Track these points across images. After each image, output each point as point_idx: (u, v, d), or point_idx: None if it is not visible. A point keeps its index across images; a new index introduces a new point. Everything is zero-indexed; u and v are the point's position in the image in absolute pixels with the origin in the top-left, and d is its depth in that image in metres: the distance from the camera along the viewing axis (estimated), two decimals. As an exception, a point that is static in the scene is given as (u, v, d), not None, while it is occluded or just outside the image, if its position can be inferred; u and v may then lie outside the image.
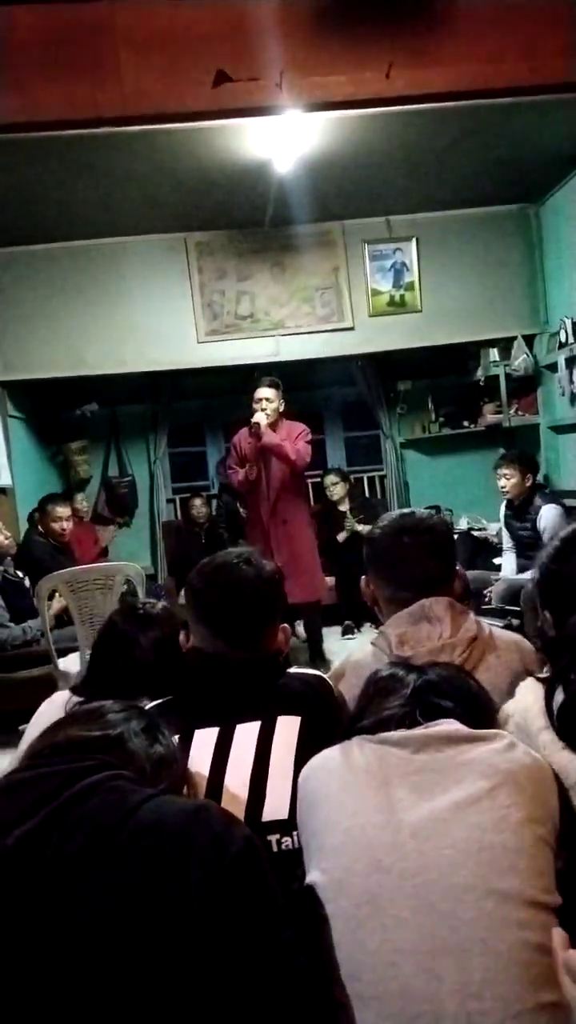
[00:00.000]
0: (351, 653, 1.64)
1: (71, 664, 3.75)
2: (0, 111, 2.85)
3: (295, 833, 1.19)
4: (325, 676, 1.51)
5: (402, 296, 5.55)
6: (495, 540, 5.00)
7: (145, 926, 0.84)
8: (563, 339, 5.09)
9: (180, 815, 0.94)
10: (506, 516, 4.56)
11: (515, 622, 3.98)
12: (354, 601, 5.52)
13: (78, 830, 0.89)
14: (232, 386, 4.92)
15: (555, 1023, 0.91)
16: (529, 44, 2.97)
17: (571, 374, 5.09)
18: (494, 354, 5.77)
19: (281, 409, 4.51)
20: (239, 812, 1.18)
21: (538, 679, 1.26)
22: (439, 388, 6.35)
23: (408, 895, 0.97)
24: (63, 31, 2.84)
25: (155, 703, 1.43)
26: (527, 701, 1.24)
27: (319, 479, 6.67)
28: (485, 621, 1.60)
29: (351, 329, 5.55)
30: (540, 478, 5.25)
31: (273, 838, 1.20)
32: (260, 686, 1.39)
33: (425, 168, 4.64)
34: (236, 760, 1.28)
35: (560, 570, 1.31)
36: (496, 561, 4.73)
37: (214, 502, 5.79)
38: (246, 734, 1.31)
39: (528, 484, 4.36)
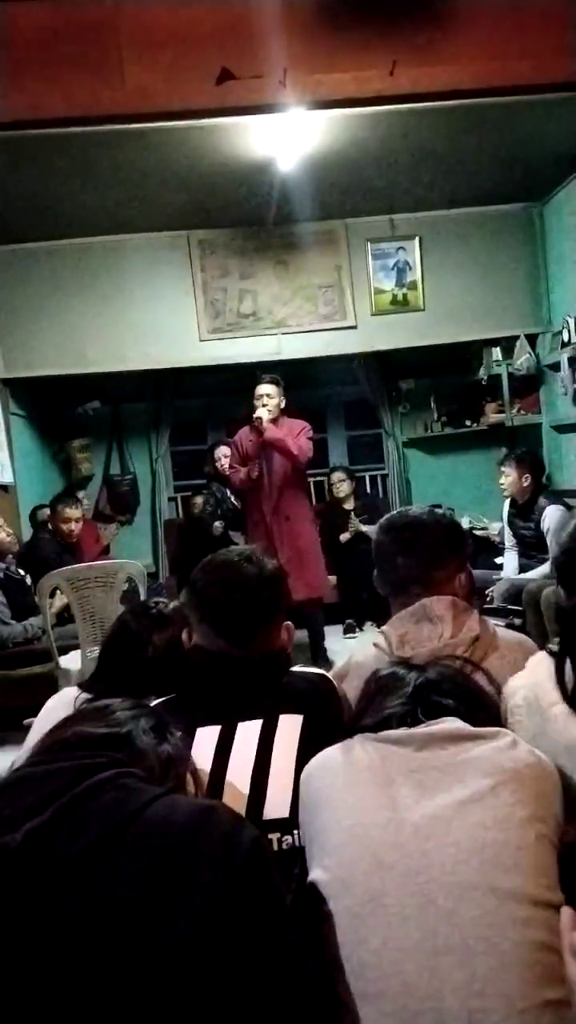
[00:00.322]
0: (354, 653, 1.64)
1: (72, 662, 3.75)
2: (3, 109, 2.86)
3: (296, 832, 1.19)
4: (328, 675, 1.51)
5: (405, 295, 5.54)
6: (497, 539, 4.99)
7: (152, 925, 0.84)
8: (566, 338, 5.08)
9: (189, 815, 0.94)
10: (509, 515, 4.56)
11: (517, 621, 3.99)
12: (356, 600, 5.54)
13: (87, 827, 0.89)
14: (234, 384, 4.93)
15: (558, 1021, 0.91)
16: (532, 43, 2.98)
17: (574, 373, 5.08)
18: (497, 353, 5.76)
19: (282, 405, 4.54)
20: (240, 810, 1.18)
21: (550, 653, 1.25)
22: (441, 387, 6.35)
23: (411, 893, 0.97)
24: (66, 29, 2.85)
25: (158, 701, 1.43)
26: (538, 675, 1.23)
27: (321, 478, 6.70)
28: (489, 621, 1.59)
29: (353, 328, 5.54)
30: (543, 478, 5.25)
31: (274, 836, 1.20)
32: (262, 684, 1.39)
33: (428, 166, 4.63)
34: (238, 758, 1.28)
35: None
36: (498, 560, 4.73)
37: (201, 497, 5.63)
38: (248, 732, 1.31)
39: (526, 484, 4.35)
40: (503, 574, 4.49)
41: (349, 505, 5.78)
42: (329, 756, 1.16)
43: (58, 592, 3.99)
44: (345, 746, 1.15)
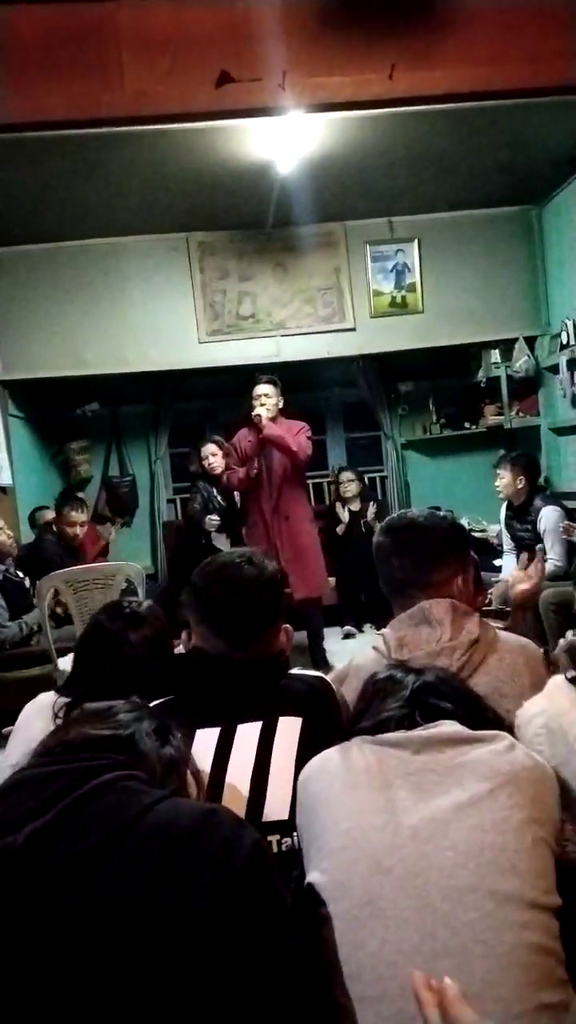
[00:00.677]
0: (353, 657, 1.64)
1: (70, 664, 3.74)
2: (3, 111, 2.86)
3: (295, 834, 1.19)
4: (327, 677, 1.51)
5: (403, 297, 5.55)
6: (495, 541, 4.99)
7: (153, 927, 0.84)
8: (564, 341, 5.09)
9: (191, 818, 0.94)
10: (506, 517, 4.56)
11: (515, 624, 3.98)
12: (355, 602, 5.54)
13: (89, 829, 0.89)
14: (233, 386, 4.92)
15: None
16: (531, 46, 2.98)
17: (572, 376, 5.08)
18: (495, 355, 5.76)
19: (280, 406, 4.57)
20: (239, 812, 1.18)
21: (570, 680, 1.23)
22: (440, 389, 6.35)
23: (408, 896, 0.97)
24: (66, 31, 2.84)
25: (156, 703, 1.42)
26: (560, 705, 1.20)
27: (320, 480, 6.70)
28: (491, 624, 1.59)
29: (352, 330, 5.55)
30: (541, 480, 5.25)
31: (273, 839, 1.20)
32: (261, 687, 1.39)
33: (427, 169, 4.64)
34: (237, 761, 1.28)
35: None
36: (496, 563, 4.73)
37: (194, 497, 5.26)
38: (247, 735, 1.31)
39: (521, 486, 4.35)
40: (501, 576, 4.49)
41: (355, 506, 5.78)
42: (327, 759, 1.16)
43: (57, 593, 3.99)
44: (343, 749, 1.15)
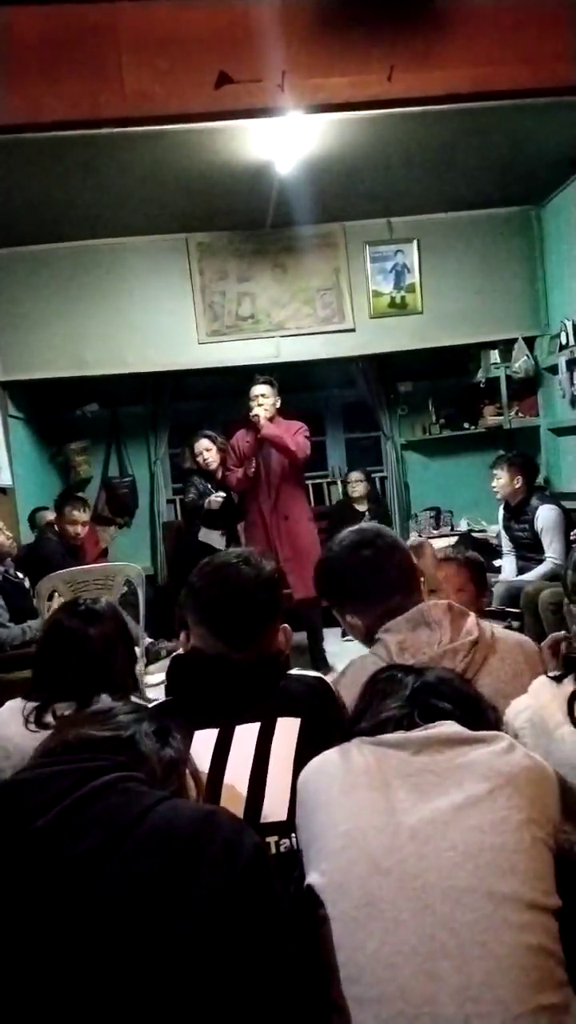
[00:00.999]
0: (352, 661, 1.64)
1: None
2: (2, 112, 2.86)
3: (294, 835, 1.19)
4: (325, 678, 1.51)
5: (403, 298, 5.55)
6: (495, 542, 5.00)
7: (152, 928, 0.84)
8: (564, 341, 5.09)
9: (191, 819, 0.94)
10: (504, 518, 4.56)
11: (515, 624, 3.99)
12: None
13: (90, 830, 0.89)
14: (233, 387, 4.92)
15: (554, 1026, 0.91)
16: (530, 47, 2.98)
17: (572, 376, 5.09)
18: (495, 356, 5.76)
19: (277, 405, 4.58)
20: (237, 814, 1.18)
21: (551, 678, 1.27)
22: (440, 390, 6.35)
23: (408, 897, 0.97)
24: (65, 32, 2.85)
25: (155, 704, 1.42)
26: (543, 699, 1.25)
27: (320, 480, 6.70)
28: (486, 622, 1.59)
29: (352, 330, 5.54)
30: (540, 480, 5.25)
31: (272, 840, 1.19)
32: (260, 687, 1.39)
33: (426, 170, 4.64)
34: (235, 761, 1.28)
35: None
36: (496, 563, 4.73)
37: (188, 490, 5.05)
38: (245, 735, 1.31)
39: (519, 486, 4.35)
40: (501, 577, 4.50)
41: (362, 507, 5.79)
42: (326, 759, 1.15)
43: (56, 594, 3.99)
44: (342, 749, 1.15)
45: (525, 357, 5.55)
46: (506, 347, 5.67)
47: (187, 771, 1.13)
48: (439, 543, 5.44)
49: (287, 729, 1.32)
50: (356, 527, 1.73)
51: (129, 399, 6.19)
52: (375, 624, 1.59)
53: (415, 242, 5.50)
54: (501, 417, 5.90)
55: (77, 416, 6.13)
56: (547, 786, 1.08)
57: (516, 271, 5.57)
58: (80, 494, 5.82)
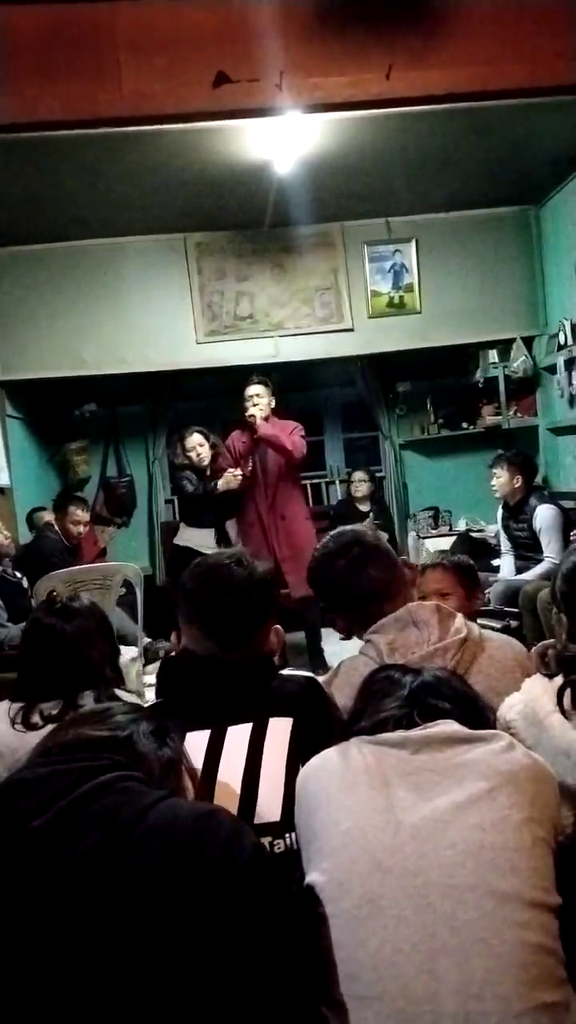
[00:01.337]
0: (342, 662, 1.65)
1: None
2: (0, 111, 2.86)
3: (287, 836, 1.20)
4: (317, 678, 1.51)
5: (401, 297, 5.55)
6: (493, 542, 5.00)
7: (152, 927, 0.84)
8: (562, 341, 5.09)
9: (191, 819, 0.94)
10: (503, 518, 4.56)
11: (513, 623, 3.99)
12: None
13: (88, 829, 0.89)
14: (231, 387, 4.92)
15: (555, 1023, 0.91)
16: (529, 46, 2.98)
17: (570, 376, 5.09)
18: (493, 356, 5.76)
19: (272, 406, 4.58)
20: (231, 814, 1.18)
21: (543, 675, 1.30)
22: (438, 389, 6.34)
23: (408, 895, 0.97)
24: (63, 32, 2.84)
25: (147, 705, 1.42)
26: (534, 692, 1.28)
27: (318, 480, 6.70)
28: (481, 622, 1.61)
29: (350, 330, 5.54)
30: (539, 480, 5.26)
31: (266, 840, 1.19)
32: (252, 688, 1.39)
33: (425, 169, 4.64)
34: (228, 763, 1.28)
35: None
36: (494, 563, 4.73)
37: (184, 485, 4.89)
38: (238, 736, 1.31)
39: (517, 485, 4.35)
40: (499, 576, 4.50)
41: (365, 507, 5.78)
42: (326, 758, 1.16)
43: (51, 590, 3.98)
44: (342, 748, 1.15)
45: (523, 357, 5.55)
46: (504, 347, 5.67)
47: (184, 770, 1.13)
48: (438, 543, 5.46)
49: (279, 729, 1.32)
50: (336, 532, 1.75)
51: (127, 399, 6.19)
52: (356, 627, 1.63)
53: (413, 242, 5.50)
54: (499, 417, 5.90)
55: (75, 416, 6.13)
56: (547, 784, 1.08)
57: (514, 271, 5.57)
58: (78, 494, 5.83)
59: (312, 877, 1.05)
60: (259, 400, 4.54)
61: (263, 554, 4.13)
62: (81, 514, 4.74)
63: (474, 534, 5.51)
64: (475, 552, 5.21)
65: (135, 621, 4.25)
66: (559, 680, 1.26)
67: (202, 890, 0.87)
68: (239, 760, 1.28)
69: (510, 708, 1.30)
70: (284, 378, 6.12)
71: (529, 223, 5.56)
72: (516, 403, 5.92)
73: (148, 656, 4.58)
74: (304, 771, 1.18)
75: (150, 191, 4.53)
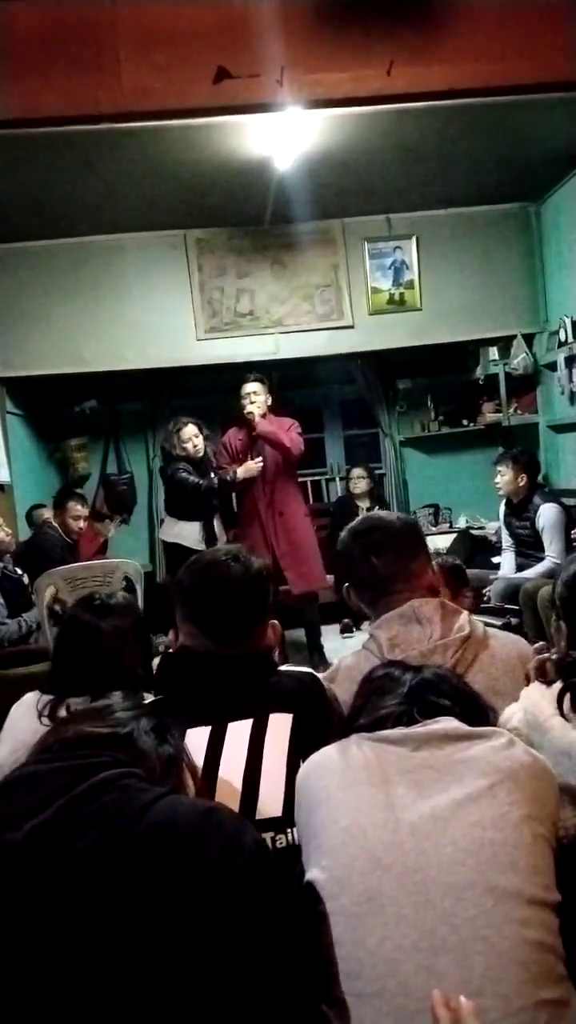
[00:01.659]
0: (343, 657, 1.64)
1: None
2: (0, 107, 2.85)
3: (289, 831, 1.19)
4: (316, 673, 1.51)
5: (402, 294, 5.54)
6: (494, 539, 5.00)
7: (153, 924, 0.84)
8: (563, 338, 5.09)
9: (192, 816, 0.94)
10: (505, 515, 4.56)
11: (514, 620, 3.99)
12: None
13: (90, 826, 0.89)
14: (231, 384, 4.91)
15: (555, 1020, 0.91)
16: (530, 42, 2.97)
17: (571, 373, 5.09)
18: (494, 353, 5.76)
19: (269, 403, 4.59)
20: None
21: (541, 682, 1.31)
22: (438, 387, 6.34)
23: (408, 893, 0.97)
24: (63, 28, 2.84)
25: (147, 702, 1.42)
26: (533, 697, 1.28)
27: (318, 478, 6.69)
28: (482, 620, 1.60)
29: (351, 327, 5.54)
30: (539, 478, 5.25)
31: (267, 836, 1.19)
32: (251, 684, 1.39)
33: (425, 166, 4.63)
34: (229, 759, 1.28)
35: None
36: (495, 560, 4.73)
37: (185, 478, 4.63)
38: (238, 732, 1.31)
39: (523, 483, 4.36)
40: (500, 573, 4.50)
41: (364, 503, 5.78)
42: (326, 755, 1.15)
43: (55, 591, 3.99)
44: (342, 745, 1.15)
45: (524, 354, 5.55)
46: (505, 344, 5.67)
47: (185, 767, 1.13)
48: (438, 540, 5.46)
49: (280, 725, 1.32)
50: (365, 515, 1.75)
51: (127, 396, 6.18)
52: (374, 609, 1.61)
53: (414, 239, 5.49)
54: (500, 414, 5.89)
55: (76, 413, 6.12)
56: (547, 782, 1.08)
57: (515, 268, 5.57)
58: (78, 491, 5.83)
59: (312, 874, 1.06)
60: (256, 397, 4.54)
61: (262, 551, 4.13)
62: (81, 509, 4.76)
63: (474, 531, 5.51)
64: (475, 549, 5.22)
65: (135, 617, 4.24)
66: (558, 686, 1.27)
67: (203, 887, 0.87)
68: (240, 756, 1.28)
69: (510, 718, 1.30)
70: (284, 375, 6.12)
71: (530, 220, 5.56)
72: (516, 400, 5.91)
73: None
74: (304, 768, 1.18)
75: (150, 187, 4.52)
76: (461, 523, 5.88)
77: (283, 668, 1.48)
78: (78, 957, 0.82)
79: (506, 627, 3.31)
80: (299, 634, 4.73)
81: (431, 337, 5.59)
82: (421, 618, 1.50)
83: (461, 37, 2.94)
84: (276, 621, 1.54)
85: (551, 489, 5.23)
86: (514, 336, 5.57)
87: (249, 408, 4.50)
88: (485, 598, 4.32)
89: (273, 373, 4.98)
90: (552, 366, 5.36)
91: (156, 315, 5.38)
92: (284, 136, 3.92)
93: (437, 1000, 0.88)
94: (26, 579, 4.30)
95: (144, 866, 0.88)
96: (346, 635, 5.43)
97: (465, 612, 1.57)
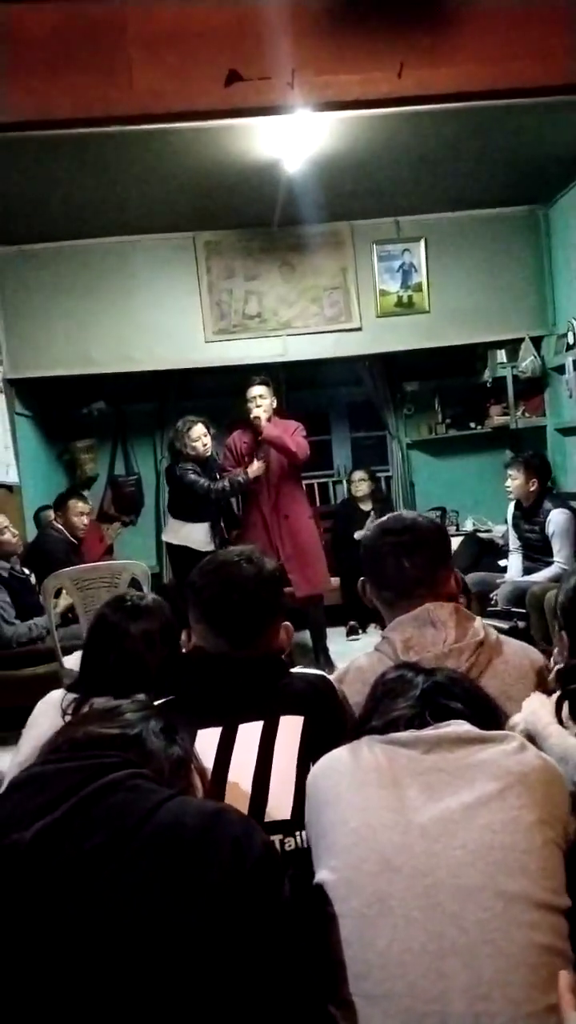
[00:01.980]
0: (355, 659, 1.64)
1: (76, 662, 3.72)
2: (11, 109, 2.86)
3: (298, 833, 1.19)
4: (327, 676, 1.51)
5: (410, 297, 5.54)
6: (501, 542, 4.98)
7: (161, 925, 0.84)
8: (571, 341, 5.08)
9: (200, 817, 0.94)
10: (514, 517, 4.55)
11: (521, 624, 3.98)
12: (358, 602, 5.51)
13: (98, 827, 0.89)
14: (239, 386, 4.92)
15: (564, 1025, 0.90)
16: (540, 45, 2.97)
17: (579, 376, 5.08)
18: (501, 355, 5.75)
19: (274, 406, 4.59)
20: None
21: (541, 691, 1.35)
22: (446, 389, 6.34)
23: (417, 895, 0.97)
24: (74, 30, 2.85)
25: (158, 703, 1.42)
26: (532, 706, 1.31)
27: (325, 480, 6.69)
28: (488, 623, 1.60)
29: (359, 329, 5.54)
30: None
31: (276, 838, 1.19)
32: (262, 685, 1.39)
33: (434, 169, 4.63)
34: (239, 760, 1.27)
35: None
36: (501, 563, 4.72)
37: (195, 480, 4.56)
38: (249, 734, 1.30)
39: (533, 488, 4.35)
40: (507, 576, 4.49)
41: (366, 506, 5.78)
42: (336, 757, 1.15)
43: (63, 592, 3.99)
44: (353, 747, 1.15)
45: (532, 357, 5.54)
46: (513, 347, 5.66)
47: (193, 768, 1.13)
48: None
49: (290, 727, 1.31)
50: (397, 514, 1.73)
51: (135, 397, 6.20)
52: (390, 610, 1.59)
53: (422, 241, 5.49)
54: (507, 417, 5.88)
55: (84, 414, 6.14)
56: (558, 786, 1.08)
57: (523, 271, 5.56)
58: (85, 492, 5.84)
59: (321, 875, 1.05)
60: (262, 401, 4.54)
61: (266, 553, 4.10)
62: (82, 505, 4.76)
63: (481, 534, 5.50)
64: (482, 552, 5.21)
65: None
66: (556, 694, 1.29)
67: (211, 889, 0.87)
68: (250, 758, 1.27)
69: (514, 727, 1.30)
70: (291, 377, 6.12)
71: (538, 223, 5.55)
72: (524, 403, 5.90)
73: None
74: (315, 769, 1.18)
75: (160, 189, 4.54)
76: (468, 526, 5.87)
77: (294, 670, 1.48)
78: (85, 957, 0.82)
79: (513, 630, 3.31)
80: (304, 636, 4.73)
81: (439, 339, 5.59)
82: (436, 621, 1.50)
83: (471, 40, 2.94)
84: (288, 623, 1.53)
85: (558, 492, 5.22)
86: (522, 339, 5.57)
87: (256, 412, 4.50)
88: (492, 601, 4.31)
89: (279, 375, 4.97)
90: (560, 369, 5.35)
91: (164, 316, 5.39)
92: (293, 138, 3.93)
93: (563, 983, 0.89)
94: (33, 579, 4.31)
95: (152, 867, 0.88)
96: (352, 637, 5.43)
97: (479, 618, 1.56)
